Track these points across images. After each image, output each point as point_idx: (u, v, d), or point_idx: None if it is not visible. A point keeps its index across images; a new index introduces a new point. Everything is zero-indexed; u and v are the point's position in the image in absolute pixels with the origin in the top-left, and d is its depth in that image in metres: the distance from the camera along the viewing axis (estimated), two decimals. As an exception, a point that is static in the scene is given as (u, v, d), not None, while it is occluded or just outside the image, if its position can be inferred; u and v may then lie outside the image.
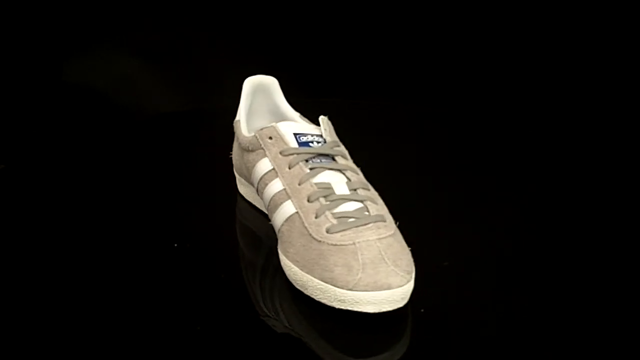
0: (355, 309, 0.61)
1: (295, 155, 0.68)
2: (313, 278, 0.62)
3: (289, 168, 0.68)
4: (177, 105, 1.31)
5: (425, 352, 0.61)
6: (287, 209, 0.66)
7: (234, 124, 0.76)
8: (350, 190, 0.66)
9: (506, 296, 0.67)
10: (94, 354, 0.60)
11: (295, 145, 0.69)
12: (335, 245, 0.62)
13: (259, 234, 0.73)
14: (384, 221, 0.64)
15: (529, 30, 1.25)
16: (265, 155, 0.70)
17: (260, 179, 0.70)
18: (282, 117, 0.78)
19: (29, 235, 0.75)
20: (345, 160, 0.69)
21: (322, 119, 0.72)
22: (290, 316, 0.64)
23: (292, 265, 0.64)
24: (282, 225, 0.67)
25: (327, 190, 0.66)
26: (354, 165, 0.70)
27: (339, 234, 0.63)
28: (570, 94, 1.26)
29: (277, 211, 0.67)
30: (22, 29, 1.27)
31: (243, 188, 0.78)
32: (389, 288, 0.60)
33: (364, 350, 0.61)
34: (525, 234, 0.75)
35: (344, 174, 0.68)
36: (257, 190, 0.72)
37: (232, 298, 0.66)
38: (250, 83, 0.78)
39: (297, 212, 0.66)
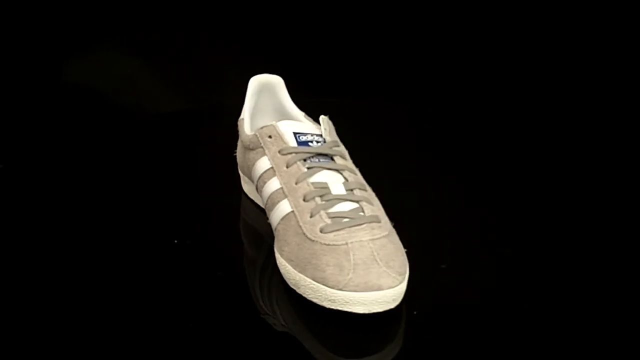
0: (346, 309, 0.60)
1: (293, 154, 0.68)
2: (305, 277, 0.62)
3: (287, 167, 0.68)
4: (177, 105, 1.31)
5: (417, 354, 0.61)
6: (284, 207, 0.66)
7: (238, 122, 0.76)
8: (346, 190, 0.66)
9: (504, 299, 0.67)
10: (92, 350, 0.61)
11: (295, 144, 0.69)
12: (328, 245, 0.62)
13: (261, 232, 0.73)
14: (379, 222, 0.64)
15: (529, 30, 1.25)
16: (264, 154, 0.70)
17: (260, 177, 0.70)
18: (287, 117, 0.77)
19: (29, 235, 0.75)
20: (343, 160, 0.69)
21: (323, 118, 0.72)
22: (286, 315, 0.64)
23: (286, 264, 0.64)
24: (278, 223, 0.67)
25: (323, 190, 0.66)
26: (352, 166, 0.70)
27: (332, 234, 0.63)
28: (571, 94, 1.26)
29: (274, 210, 0.67)
30: (22, 29, 1.27)
31: (247, 186, 0.78)
32: (379, 289, 0.60)
33: (356, 351, 0.60)
34: (524, 236, 0.75)
35: (341, 174, 0.68)
36: (256, 188, 0.72)
37: (228, 296, 0.66)
38: (256, 82, 0.78)
39: (292, 211, 0.66)
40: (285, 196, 0.67)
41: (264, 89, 0.78)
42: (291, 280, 0.64)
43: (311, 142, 0.69)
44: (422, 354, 0.61)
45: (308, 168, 0.67)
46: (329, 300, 0.61)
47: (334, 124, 0.73)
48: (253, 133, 0.72)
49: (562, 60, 1.25)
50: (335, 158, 0.69)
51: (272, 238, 0.68)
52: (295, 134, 0.69)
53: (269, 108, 0.79)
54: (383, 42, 1.30)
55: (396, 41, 1.30)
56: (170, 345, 0.61)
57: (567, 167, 0.90)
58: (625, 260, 0.71)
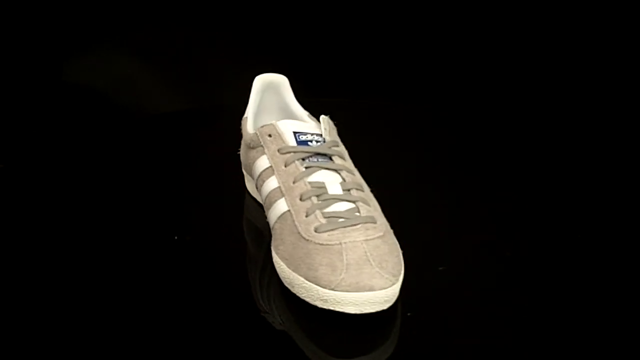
0: (337, 309, 0.60)
1: (292, 154, 0.68)
2: (298, 276, 0.62)
3: (285, 166, 0.68)
4: (177, 105, 1.31)
5: (409, 356, 0.61)
6: (281, 206, 0.67)
7: (242, 121, 0.76)
8: (343, 190, 0.66)
9: (502, 300, 0.66)
10: (92, 346, 0.61)
11: (294, 143, 0.69)
12: (322, 244, 0.62)
13: (262, 230, 0.73)
14: (374, 222, 0.64)
15: (529, 30, 1.25)
16: (264, 153, 0.70)
17: (259, 175, 0.70)
18: (291, 116, 0.78)
19: (29, 235, 0.75)
20: (342, 160, 0.69)
21: (323, 118, 0.72)
22: (282, 313, 0.64)
23: (281, 263, 0.65)
24: (275, 222, 0.67)
25: (320, 189, 0.66)
26: (350, 166, 0.70)
27: (326, 234, 0.62)
28: (571, 94, 1.26)
29: (272, 208, 0.68)
30: (22, 29, 1.27)
31: (249, 184, 0.78)
32: (371, 290, 0.60)
33: (349, 352, 0.60)
34: (523, 238, 0.75)
35: (339, 174, 0.68)
36: (256, 187, 0.72)
37: (226, 293, 0.67)
38: (261, 81, 0.78)
39: (289, 210, 0.66)
40: (283, 195, 0.67)
41: (268, 88, 0.78)
42: (286, 279, 0.64)
43: (311, 141, 0.69)
44: (414, 355, 0.61)
45: (306, 167, 0.67)
46: (321, 300, 0.61)
47: (334, 123, 0.73)
48: (254, 132, 0.72)
49: (562, 60, 1.25)
50: (333, 158, 0.69)
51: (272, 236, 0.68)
52: (295, 133, 0.69)
53: (273, 107, 0.80)
54: (383, 43, 1.30)
55: (396, 41, 1.30)
56: (167, 340, 0.61)
57: (567, 167, 0.90)
58: (626, 261, 0.71)
